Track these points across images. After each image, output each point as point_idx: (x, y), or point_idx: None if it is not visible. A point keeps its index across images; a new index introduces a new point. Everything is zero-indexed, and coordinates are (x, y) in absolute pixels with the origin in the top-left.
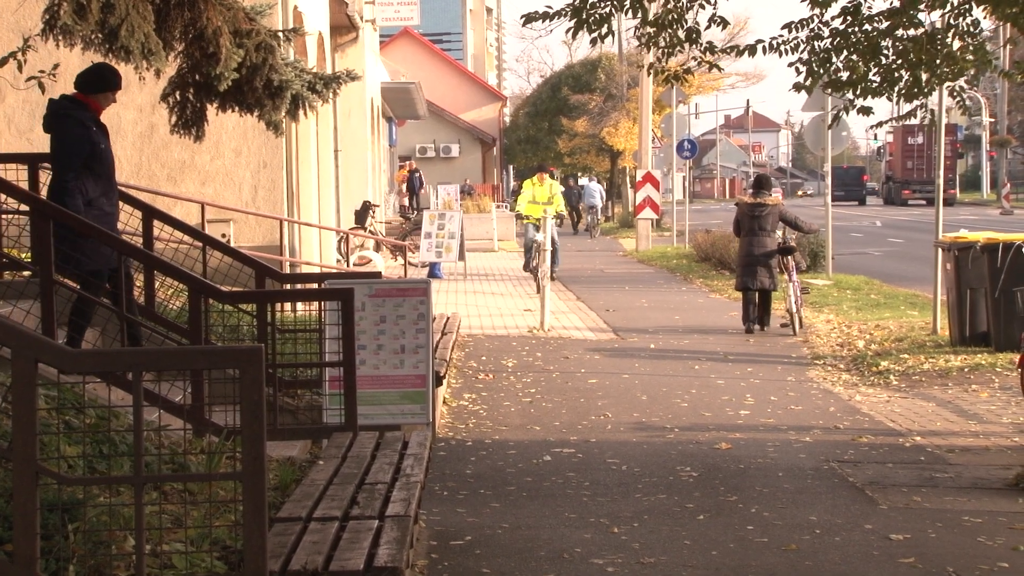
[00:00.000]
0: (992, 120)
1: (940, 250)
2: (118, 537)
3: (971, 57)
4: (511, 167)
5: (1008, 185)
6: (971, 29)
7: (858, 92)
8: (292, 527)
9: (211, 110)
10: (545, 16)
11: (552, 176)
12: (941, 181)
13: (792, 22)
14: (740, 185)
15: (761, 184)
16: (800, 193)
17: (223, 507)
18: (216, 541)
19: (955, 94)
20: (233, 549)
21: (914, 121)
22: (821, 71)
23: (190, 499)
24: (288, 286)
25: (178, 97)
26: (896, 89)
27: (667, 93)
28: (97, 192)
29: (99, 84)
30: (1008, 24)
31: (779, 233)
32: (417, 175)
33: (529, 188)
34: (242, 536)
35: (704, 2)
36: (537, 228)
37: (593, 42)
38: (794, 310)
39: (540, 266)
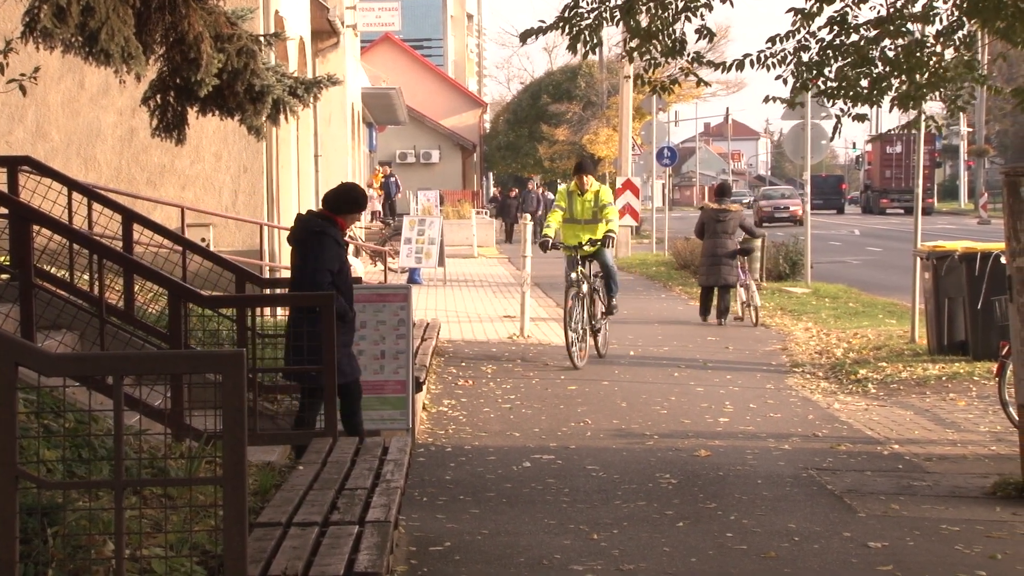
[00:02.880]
0: (970, 130)
1: (919, 259)
2: (97, 542)
3: (963, 70)
4: (491, 174)
5: (986, 195)
6: (965, 41)
7: (849, 101)
8: (272, 532)
9: (192, 114)
10: (539, 31)
11: (594, 176)
12: (920, 190)
13: (778, 35)
14: None
15: (723, 192)
16: None
17: (203, 512)
18: (196, 546)
19: (948, 102)
20: (213, 554)
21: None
22: (811, 82)
23: (170, 504)
24: (268, 291)
25: (159, 101)
26: (889, 98)
27: (647, 101)
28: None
29: (352, 206)
30: (991, 34)
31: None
32: (393, 180)
33: (563, 199)
34: (222, 541)
35: (691, 15)
36: (577, 265)
37: (585, 55)
38: (757, 303)
39: (587, 325)
